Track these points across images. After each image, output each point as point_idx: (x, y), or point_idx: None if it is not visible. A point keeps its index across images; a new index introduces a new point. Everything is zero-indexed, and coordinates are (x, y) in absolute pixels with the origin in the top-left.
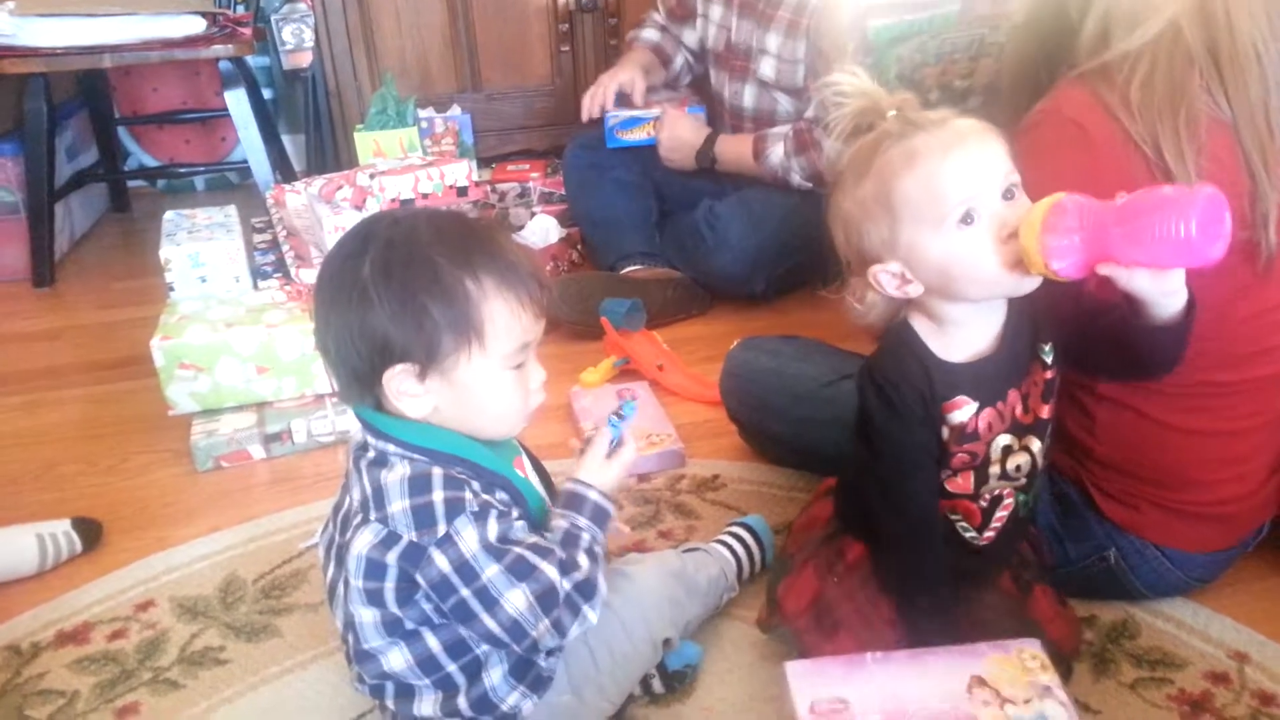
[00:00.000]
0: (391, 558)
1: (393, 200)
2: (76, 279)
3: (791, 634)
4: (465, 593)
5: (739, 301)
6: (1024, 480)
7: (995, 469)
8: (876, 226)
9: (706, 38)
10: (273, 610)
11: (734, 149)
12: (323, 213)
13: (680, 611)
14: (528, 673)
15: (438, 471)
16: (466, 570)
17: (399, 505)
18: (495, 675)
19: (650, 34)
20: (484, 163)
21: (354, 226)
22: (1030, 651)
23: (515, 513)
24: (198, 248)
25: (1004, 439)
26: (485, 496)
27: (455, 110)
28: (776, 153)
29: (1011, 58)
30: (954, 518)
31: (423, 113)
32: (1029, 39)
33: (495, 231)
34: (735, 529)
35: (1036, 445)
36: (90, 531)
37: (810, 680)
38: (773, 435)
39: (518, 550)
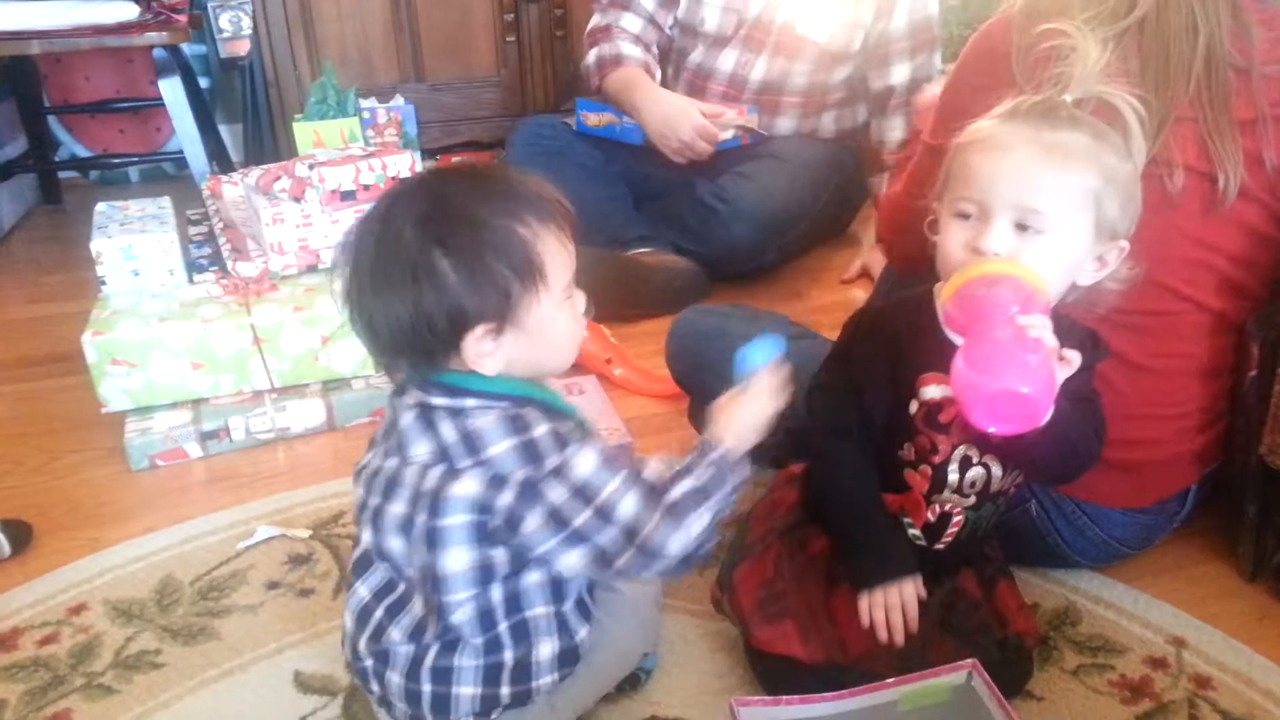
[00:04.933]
0: (504, 499)
1: (332, 192)
2: (4, 273)
3: (738, 620)
4: (587, 511)
5: (725, 287)
6: (974, 499)
7: (954, 477)
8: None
9: (700, 19)
10: (210, 612)
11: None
12: (260, 204)
13: (657, 628)
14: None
15: (529, 411)
16: (589, 489)
17: (504, 445)
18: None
19: (631, 51)
20: (428, 154)
21: (371, 209)
22: None
23: None
24: (130, 240)
25: (966, 449)
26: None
27: (398, 100)
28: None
29: None
30: (904, 519)
31: (364, 103)
32: None
33: (508, 171)
34: None
35: (995, 467)
36: (19, 534)
37: None
38: (717, 397)
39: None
